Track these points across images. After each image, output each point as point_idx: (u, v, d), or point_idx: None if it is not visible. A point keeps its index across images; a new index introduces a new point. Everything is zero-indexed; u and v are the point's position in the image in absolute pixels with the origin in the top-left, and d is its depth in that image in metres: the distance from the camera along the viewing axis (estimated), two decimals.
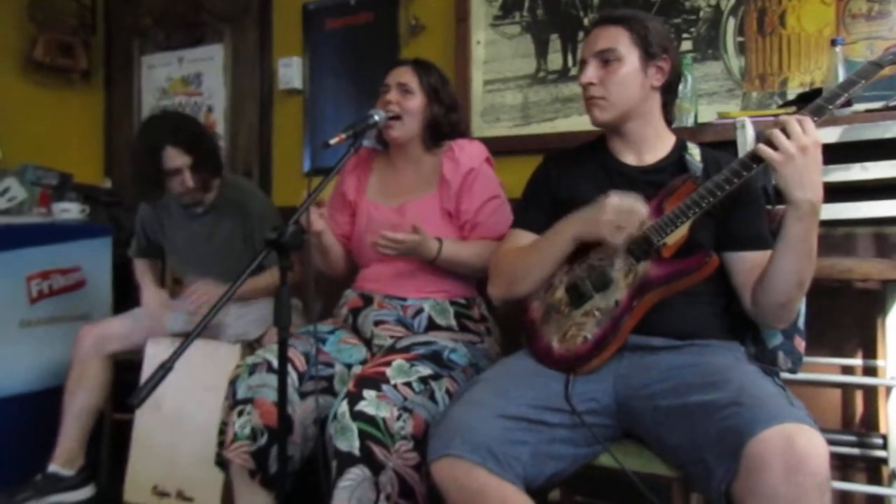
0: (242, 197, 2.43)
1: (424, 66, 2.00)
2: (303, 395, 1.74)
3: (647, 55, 1.56)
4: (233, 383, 1.76)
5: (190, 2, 3.34)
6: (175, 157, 2.24)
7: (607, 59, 1.56)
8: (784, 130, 1.31)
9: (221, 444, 1.75)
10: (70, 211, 2.91)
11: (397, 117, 1.92)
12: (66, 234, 2.75)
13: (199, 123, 2.41)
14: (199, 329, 1.32)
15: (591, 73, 1.58)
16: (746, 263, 1.51)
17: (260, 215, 2.40)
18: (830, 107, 1.38)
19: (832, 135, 1.80)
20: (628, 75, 1.56)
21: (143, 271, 2.60)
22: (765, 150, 1.32)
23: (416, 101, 1.94)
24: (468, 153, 1.96)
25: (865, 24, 2.12)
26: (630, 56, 1.56)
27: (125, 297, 2.87)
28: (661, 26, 1.63)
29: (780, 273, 1.40)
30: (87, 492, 2.41)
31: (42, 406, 2.48)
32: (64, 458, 2.35)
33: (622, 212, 1.43)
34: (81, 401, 2.36)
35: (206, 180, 2.30)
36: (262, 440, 1.67)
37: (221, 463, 1.78)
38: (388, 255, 1.81)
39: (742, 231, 1.52)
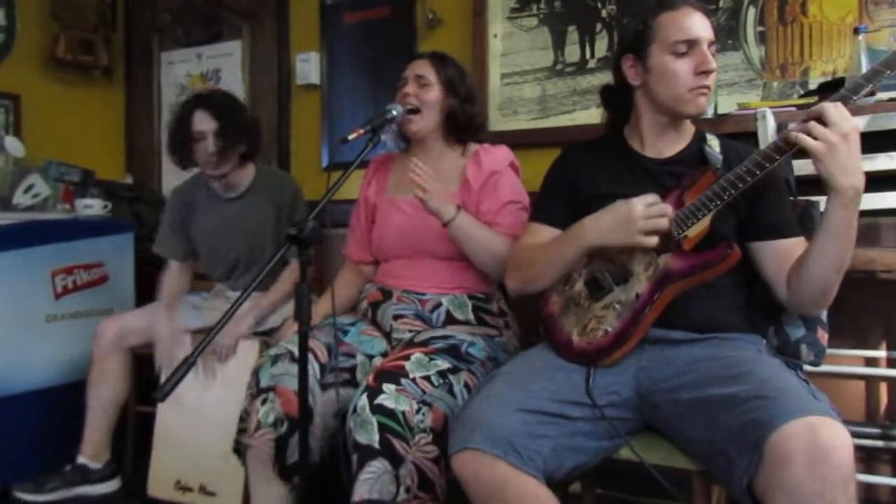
0: (275, 185, 2.46)
1: (441, 59, 1.99)
2: (324, 387, 1.76)
3: None
4: (256, 373, 1.78)
5: None
6: (202, 121, 2.30)
7: (713, 51, 1.52)
8: (820, 119, 1.30)
9: (241, 432, 1.77)
10: (93, 207, 2.95)
11: (416, 110, 1.92)
12: (89, 230, 2.78)
13: (238, 102, 2.44)
14: (221, 325, 1.34)
15: (712, 60, 1.51)
16: (777, 252, 1.49)
17: (290, 204, 2.43)
18: (855, 97, 1.36)
19: (859, 123, 1.77)
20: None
21: (165, 290, 2.49)
22: (806, 140, 1.29)
23: (434, 93, 1.94)
24: (493, 157, 1.95)
25: (889, 11, 2.09)
26: None
27: (147, 292, 2.91)
28: None
29: (821, 260, 1.38)
30: (113, 485, 2.45)
31: (68, 399, 2.52)
32: (91, 451, 2.39)
33: (651, 216, 1.40)
34: (105, 394, 2.40)
35: (227, 151, 2.31)
36: (283, 429, 1.69)
37: (239, 451, 1.80)
38: (416, 179, 1.76)
39: (771, 220, 1.50)
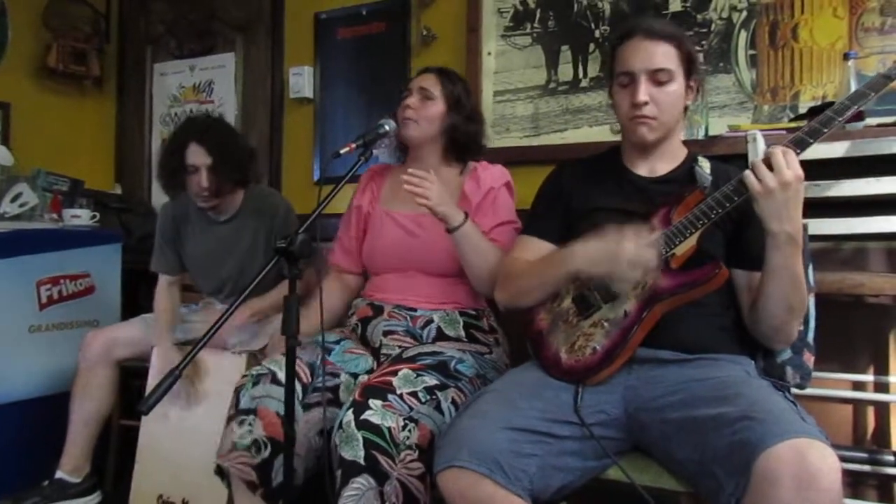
0: (265, 205, 2.45)
1: (449, 75, 2.00)
2: (307, 407, 1.73)
3: (688, 75, 1.56)
4: (237, 392, 1.75)
5: (202, 10, 3.37)
6: (196, 155, 2.27)
7: (661, 79, 1.53)
8: (768, 163, 1.32)
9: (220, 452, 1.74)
10: (80, 217, 2.93)
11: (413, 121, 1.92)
12: (76, 241, 2.76)
13: (234, 133, 2.42)
14: (207, 339, 1.32)
15: (645, 91, 1.52)
16: (750, 283, 1.52)
17: (281, 223, 2.41)
18: (840, 119, 1.38)
19: (843, 149, 1.79)
20: (678, 96, 1.56)
21: (163, 317, 2.41)
22: (750, 179, 1.34)
23: (436, 108, 1.94)
24: (490, 174, 1.96)
25: (878, 37, 2.11)
26: (678, 75, 1.54)
27: (134, 303, 2.88)
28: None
29: (767, 299, 1.42)
30: (93, 499, 2.41)
31: (50, 411, 2.48)
32: (71, 465, 2.35)
33: (636, 264, 1.39)
34: (88, 407, 2.36)
35: (221, 186, 2.30)
36: (266, 452, 1.66)
37: (221, 472, 1.77)
38: (414, 190, 1.70)
39: (749, 250, 1.51)
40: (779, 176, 1.31)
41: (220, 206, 2.41)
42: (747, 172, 1.35)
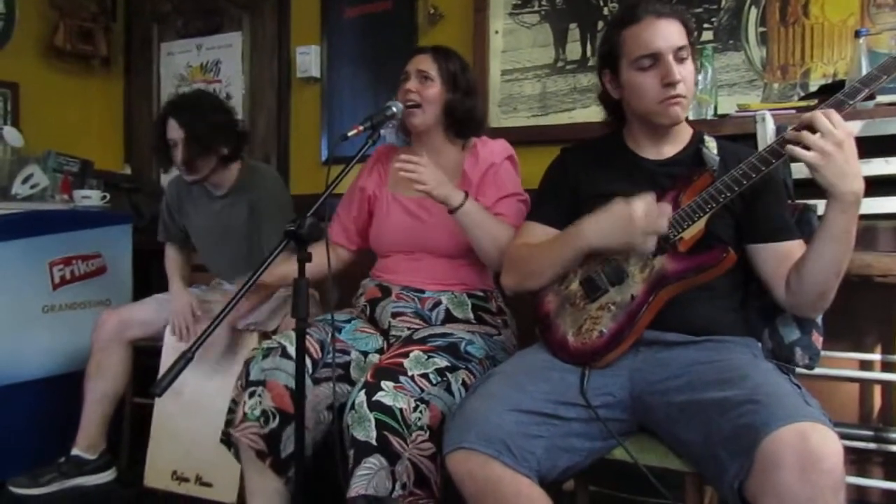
0: (256, 180, 2.45)
1: (444, 53, 1.98)
2: (316, 382, 1.76)
3: (692, 48, 1.55)
4: (247, 364, 1.78)
5: None
6: (172, 129, 2.33)
7: (682, 56, 1.51)
8: (811, 128, 1.29)
9: (229, 423, 1.78)
10: (91, 198, 2.95)
11: (417, 105, 1.92)
12: (87, 221, 2.79)
13: (210, 107, 2.40)
14: (221, 318, 1.34)
15: (677, 70, 1.49)
16: (777, 254, 1.49)
17: (267, 200, 2.40)
18: (851, 102, 1.36)
19: (856, 129, 1.78)
20: (694, 72, 1.56)
21: (173, 266, 2.58)
22: (800, 152, 1.29)
23: (435, 89, 1.93)
24: (490, 149, 1.95)
25: (891, 14, 2.09)
26: (690, 52, 1.54)
27: (145, 283, 2.91)
28: None
29: (819, 263, 1.38)
30: (108, 475, 2.46)
31: (65, 390, 2.52)
32: (86, 443, 2.40)
33: (651, 218, 1.40)
34: (102, 387, 2.40)
35: (196, 159, 2.33)
36: (274, 423, 1.69)
37: (227, 442, 1.81)
38: (410, 177, 1.72)
39: (770, 223, 1.50)
40: (831, 137, 1.27)
41: (215, 181, 2.42)
42: (794, 148, 1.30)
